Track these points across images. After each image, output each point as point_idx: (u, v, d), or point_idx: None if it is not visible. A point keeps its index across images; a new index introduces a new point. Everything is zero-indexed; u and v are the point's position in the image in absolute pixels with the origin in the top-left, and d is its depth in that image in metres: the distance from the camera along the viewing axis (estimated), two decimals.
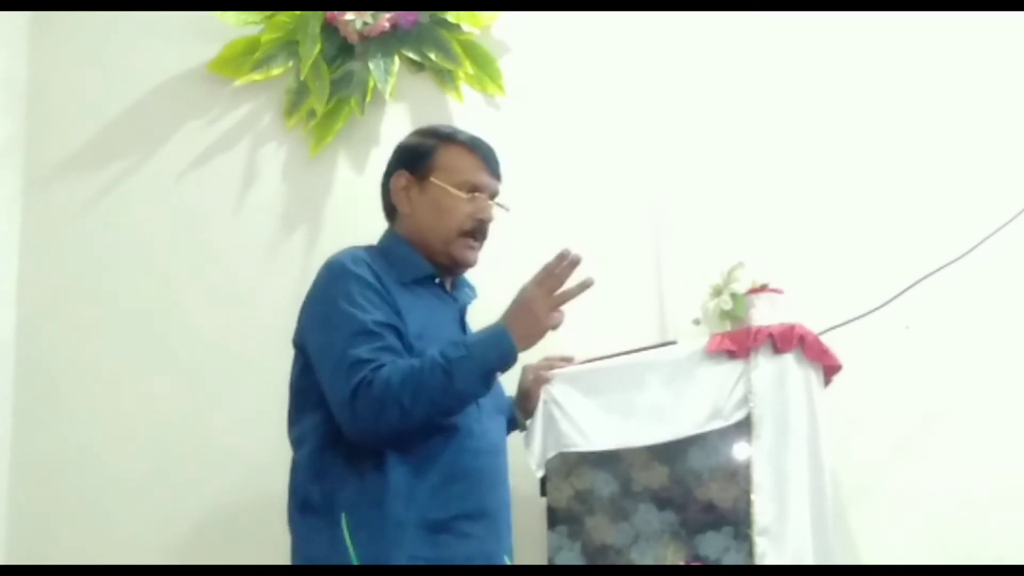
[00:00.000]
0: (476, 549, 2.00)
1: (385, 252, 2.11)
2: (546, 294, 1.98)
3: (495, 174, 2.18)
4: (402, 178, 2.15)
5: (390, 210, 2.20)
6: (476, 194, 2.13)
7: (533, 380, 2.32)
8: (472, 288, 2.26)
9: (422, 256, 2.13)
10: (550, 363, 2.36)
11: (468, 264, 2.17)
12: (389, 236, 2.18)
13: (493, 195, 2.18)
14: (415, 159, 2.15)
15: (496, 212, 2.19)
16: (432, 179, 2.12)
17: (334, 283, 2.01)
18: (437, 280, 2.16)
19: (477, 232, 2.14)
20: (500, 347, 1.97)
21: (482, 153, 2.17)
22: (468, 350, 1.95)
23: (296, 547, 2.04)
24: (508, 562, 2.10)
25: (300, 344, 2.09)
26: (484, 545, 2.03)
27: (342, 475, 1.97)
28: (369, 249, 2.12)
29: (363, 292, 1.98)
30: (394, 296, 2.02)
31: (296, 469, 2.06)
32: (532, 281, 2.00)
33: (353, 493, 1.96)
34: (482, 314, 2.26)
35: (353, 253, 2.07)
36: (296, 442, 2.08)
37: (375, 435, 1.93)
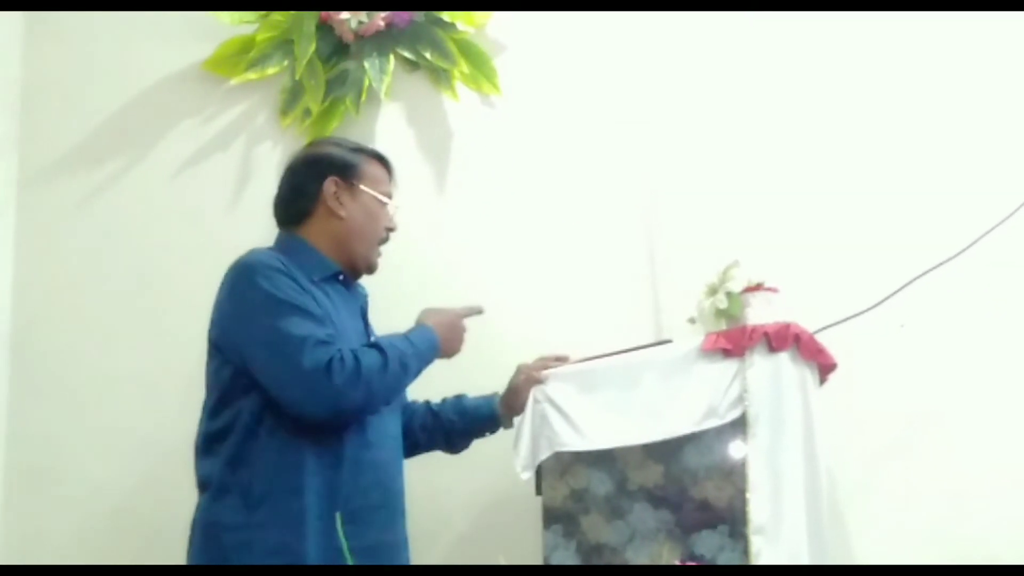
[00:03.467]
0: (378, 537, 2.12)
1: (291, 253, 2.18)
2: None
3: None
4: (333, 184, 2.23)
5: (296, 215, 2.25)
6: (391, 203, 2.29)
7: (524, 380, 2.33)
8: (363, 287, 2.35)
9: (325, 256, 2.22)
10: (544, 363, 2.36)
11: (375, 269, 2.30)
12: (286, 239, 2.25)
13: None
14: (343, 168, 2.26)
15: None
16: (361, 187, 2.25)
17: (258, 276, 2.08)
18: (340, 277, 2.24)
19: (385, 239, 2.29)
20: (433, 346, 2.20)
21: (390, 167, 2.33)
22: (415, 347, 2.15)
23: (205, 532, 2.11)
24: (405, 549, 2.21)
25: (216, 340, 2.14)
26: (384, 533, 2.15)
27: (264, 464, 2.06)
28: (271, 250, 2.20)
29: (290, 284, 2.08)
30: (309, 292, 2.12)
31: (214, 458, 2.11)
32: (454, 311, 2.28)
33: (272, 482, 2.05)
34: (485, 295, 2.44)
35: (265, 253, 2.16)
36: (218, 433, 2.11)
37: (339, 409, 2.03)
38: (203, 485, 2.13)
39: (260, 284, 2.06)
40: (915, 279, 2.50)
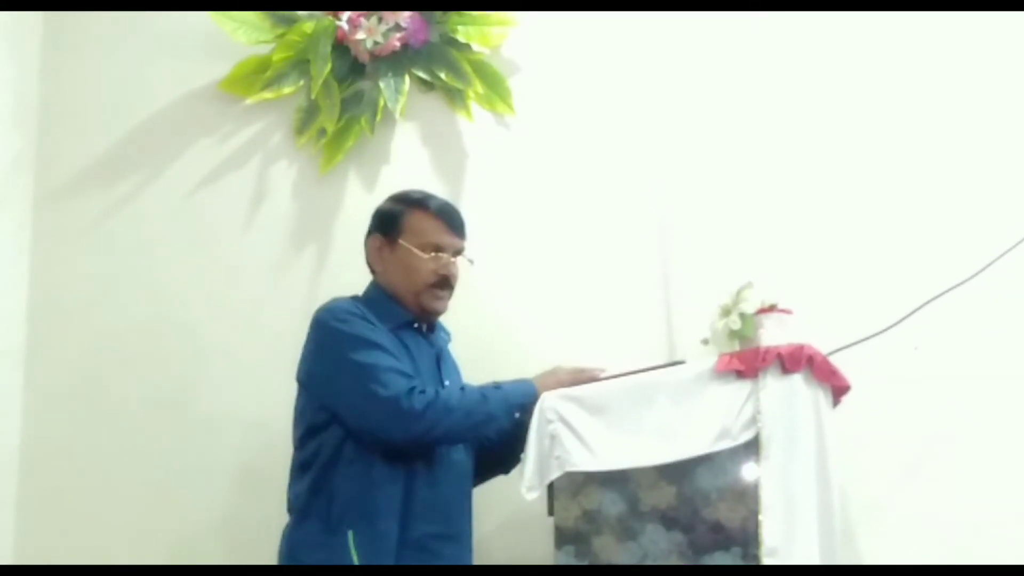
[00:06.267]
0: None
1: (369, 302, 2.35)
2: (572, 375, 2.34)
3: (458, 234, 2.42)
4: (376, 240, 2.41)
5: (370, 268, 2.44)
6: (438, 253, 2.36)
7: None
8: (448, 332, 2.50)
9: (400, 305, 2.37)
10: (580, 375, 2.36)
11: (437, 312, 2.41)
12: (372, 288, 2.42)
13: (457, 252, 2.42)
14: (387, 223, 2.41)
15: (466, 261, 2.44)
16: (400, 241, 2.37)
17: (333, 319, 2.27)
18: (416, 325, 2.38)
19: (442, 284, 2.38)
20: (523, 384, 2.30)
21: (445, 217, 2.41)
22: (499, 385, 2.28)
23: (289, 552, 2.25)
24: None
25: (302, 379, 2.31)
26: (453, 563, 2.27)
27: (341, 492, 2.20)
28: (355, 299, 2.36)
29: (365, 324, 2.26)
30: (382, 333, 2.28)
31: (300, 485, 2.26)
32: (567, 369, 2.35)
33: (348, 508, 2.19)
34: (499, 314, 2.59)
35: (343, 300, 2.33)
36: (304, 463, 2.27)
37: (416, 432, 2.16)
38: (290, 509, 2.29)
39: (336, 326, 2.25)
40: (929, 301, 2.49)
